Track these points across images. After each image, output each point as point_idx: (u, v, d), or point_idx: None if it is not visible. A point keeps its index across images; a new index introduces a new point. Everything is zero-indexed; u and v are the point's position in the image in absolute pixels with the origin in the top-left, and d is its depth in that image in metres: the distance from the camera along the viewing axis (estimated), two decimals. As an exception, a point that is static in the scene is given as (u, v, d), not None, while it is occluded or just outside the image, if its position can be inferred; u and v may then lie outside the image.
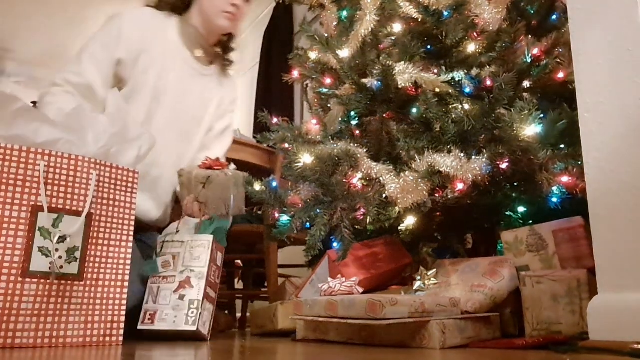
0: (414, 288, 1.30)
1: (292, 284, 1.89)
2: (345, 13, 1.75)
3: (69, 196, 1.10)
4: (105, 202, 1.16)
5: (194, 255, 1.33)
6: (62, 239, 1.07)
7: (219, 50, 1.70)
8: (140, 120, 1.47)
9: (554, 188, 1.25)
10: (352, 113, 1.63)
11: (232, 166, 1.55)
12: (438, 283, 1.30)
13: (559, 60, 1.50)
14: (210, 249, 1.35)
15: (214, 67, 1.69)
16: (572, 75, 1.23)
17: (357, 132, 1.64)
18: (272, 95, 4.03)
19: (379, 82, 1.44)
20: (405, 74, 1.40)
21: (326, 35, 1.76)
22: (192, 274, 1.31)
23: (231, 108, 1.75)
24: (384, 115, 1.53)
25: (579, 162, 1.17)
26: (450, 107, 1.41)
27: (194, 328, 1.27)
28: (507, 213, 1.44)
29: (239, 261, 2.75)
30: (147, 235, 1.53)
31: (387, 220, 1.49)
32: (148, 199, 1.52)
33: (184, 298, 1.29)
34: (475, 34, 1.50)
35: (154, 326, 1.27)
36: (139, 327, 1.28)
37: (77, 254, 1.10)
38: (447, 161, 1.26)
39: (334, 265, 1.47)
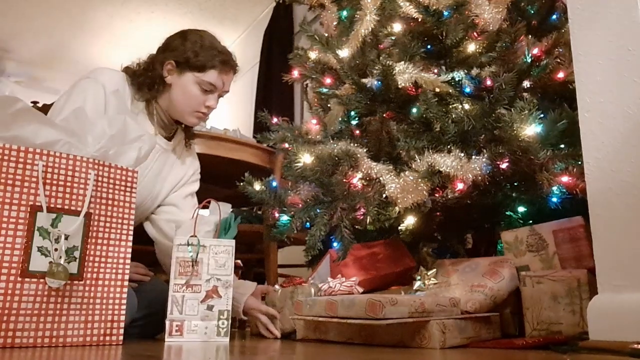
0: (414, 288, 1.30)
1: (292, 284, 1.88)
2: (345, 13, 1.76)
3: (67, 196, 1.10)
4: (104, 201, 1.16)
5: (219, 262, 1.29)
6: (61, 238, 1.07)
7: (180, 126, 1.60)
8: None
9: (554, 188, 1.25)
10: (352, 113, 1.63)
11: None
12: (438, 283, 1.30)
13: (559, 60, 1.50)
14: (233, 254, 1.31)
15: (175, 140, 1.59)
16: (572, 75, 1.22)
17: (357, 132, 1.64)
18: (272, 95, 4.04)
19: (379, 82, 1.44)
20: (405, 74, 1.40)
21: (326, 35, 1.76)
22: (219, 282, 1.28)
23: (195, 177, 1.66)
24: (384, 115, 1.53)
25: (579, 162, 1.17)
26: (450, 107, 1.41)
27: (226, 339, 1.26)
28: (507, 213, 1.44)
29: (238, 261, 2.74)
30: None
31: (387, 220, 1.49)
32: None
33: (212, 308, 1.26)
34: (475, 34, 1.50)
35: (184, 338, 1.24)
36: (167, 339, 1.23)
37: (77, 254, 1.09)
38: (447, 161, 1.26)
39: (334, 264, 1.47)
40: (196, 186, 1.66)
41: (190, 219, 1.37)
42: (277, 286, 1.49)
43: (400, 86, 1.41)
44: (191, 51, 1.46)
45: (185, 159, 1.62)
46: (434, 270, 1.32)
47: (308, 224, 1.47)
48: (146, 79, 1.48)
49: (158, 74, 1.48)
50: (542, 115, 1.25)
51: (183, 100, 1.49)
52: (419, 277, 1.31)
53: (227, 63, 1.49)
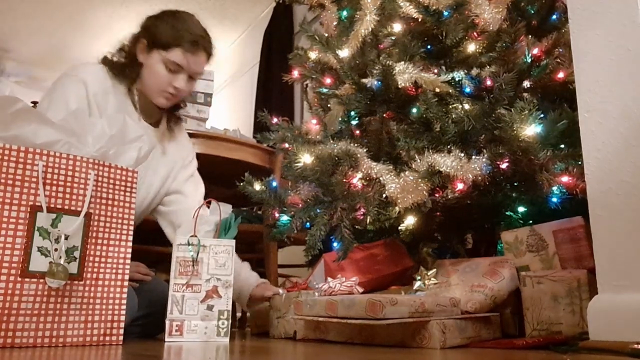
0: (414, 288, 1.30)
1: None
2: (345, 13, 1.75)
3: (67, 196, 1.10)
4: (104, 201, 1.16)
5: (219, 262, 1.29)
6: (61, 238, 1.07)
7: (164, 113, 1.59)
8: None
9: (554, 188, 1.25)
10: (352, 113, 1.63)
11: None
12: (438, 283, 1.30)
13: (559, 60, 1.50)
14: (233, 254, 1.31)
15: (162, 127, 1.58)
16: (572, 75, 1.22)
17: (357, 132, 1.64)
18: (272, 95, 4.03)
19: (379, 82, 1.44)
20: (405, 74, 1.40)
21: (326, 35, 1.75)
22: (219, 282, 1.28)
23: (189, 159, 1.64)
24: (384, 115, 1.53)
25: (579, 162, 1.17)
26: (450, 107, 1.41)
27: (226, 339, 1.26)
28: (507, 213, 1.44)
29: (238, 261, 2.74)
30: None
31: (387, 220, 1.49)
32: None
33: (212, 308, 1.26)
34: (475, 34, 1.50)
35: (183, 338, 1.23)
36: (167, 339, 1.22)
37: (77, 254, 1.09)
38: (447, 161, 1.26)
39: (329, 268, 1.47)
40: (193, 167, 1.65)
41: (190, 219, 1.37)
42: (280, 290, 1.49)
43: (400, 86, 1.41)
44: (160, 29, 1.44)
45: (175, 143, 1.61)
46: (434, 270, 1.32)
47: (308, 224, 1.47)
48: (122, 64, 1.48)
49: (132, 54, 1.47)
50: (542, 116, 1.25)
51: (151, 80, 1.47)
52: (419, 277, 1.31)
53: (194, 43, 1.45)
